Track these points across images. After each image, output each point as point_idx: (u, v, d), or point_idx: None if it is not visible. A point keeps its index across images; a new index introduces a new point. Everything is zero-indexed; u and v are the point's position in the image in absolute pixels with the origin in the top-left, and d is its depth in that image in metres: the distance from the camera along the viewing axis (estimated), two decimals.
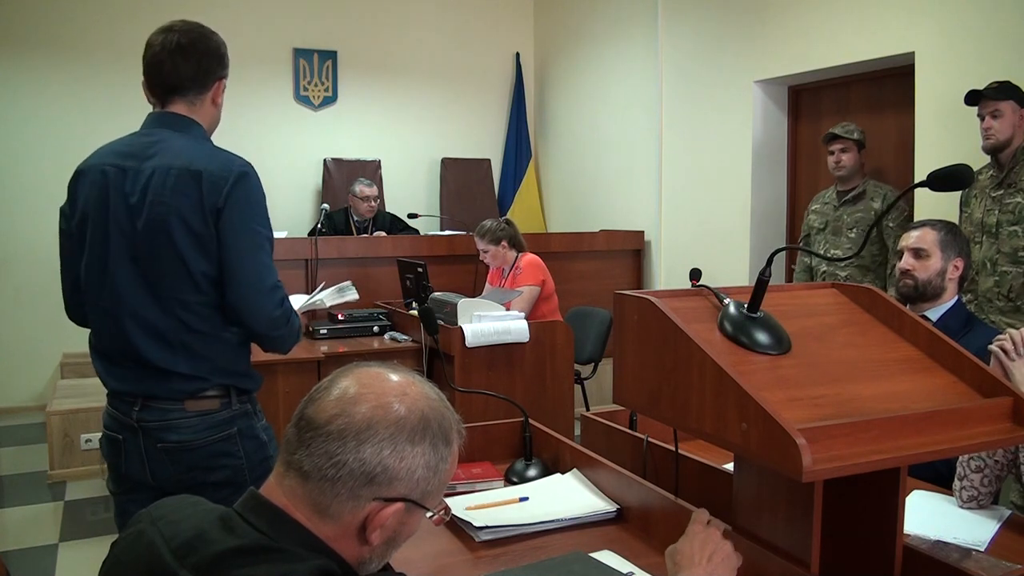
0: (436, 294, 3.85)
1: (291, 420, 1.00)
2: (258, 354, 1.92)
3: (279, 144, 6.28)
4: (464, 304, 3.57)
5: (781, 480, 1.19)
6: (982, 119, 3.09)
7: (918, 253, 2.31)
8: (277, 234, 1.86)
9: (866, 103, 4.29)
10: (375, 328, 4.11)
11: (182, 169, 1.71)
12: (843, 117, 4.21)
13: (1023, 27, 3.27)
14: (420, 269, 3.96)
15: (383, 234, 5.41)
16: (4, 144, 5.56)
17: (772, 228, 4.80)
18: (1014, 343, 1.74)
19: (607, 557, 1.47)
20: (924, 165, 3.66)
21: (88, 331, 1.88)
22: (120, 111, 4.83)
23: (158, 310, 1.74)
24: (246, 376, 1.85)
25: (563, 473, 1.88)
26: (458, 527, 1.63)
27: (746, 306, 1.24)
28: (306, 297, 2.43)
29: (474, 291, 4.56)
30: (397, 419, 0.97)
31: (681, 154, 5.32)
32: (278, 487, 0.98)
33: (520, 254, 4.29)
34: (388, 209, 6.19)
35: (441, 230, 5.96)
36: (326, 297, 2.42)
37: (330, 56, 6.47)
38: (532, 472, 1.91)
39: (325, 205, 5.46)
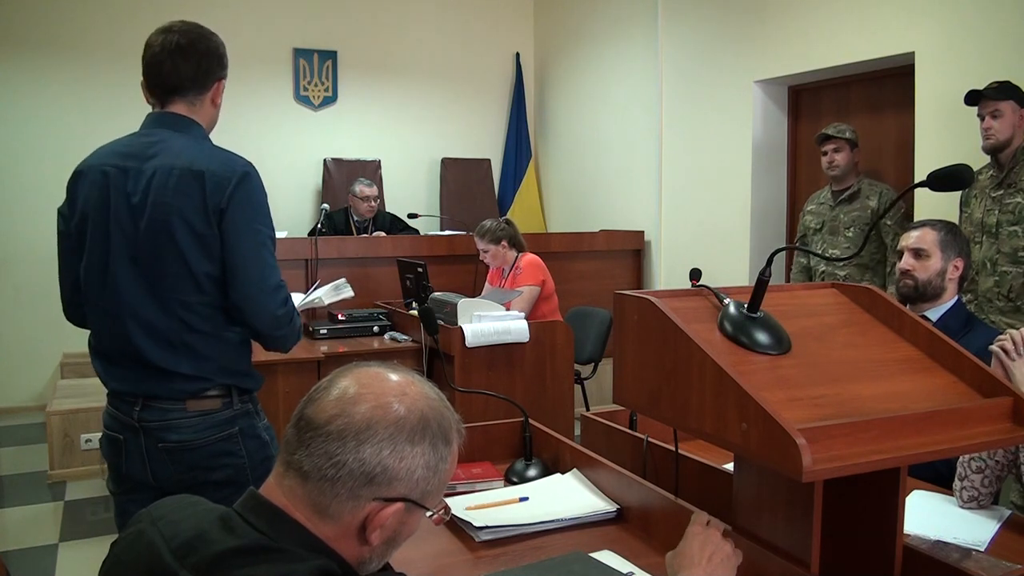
0: (436, 294, 3.85)
1: (291, 420, 1.00)
2: (258, 354, 1.92)
3: (279, 144, 6.28)
4: (464, 304, 3.57)
5: (781, 480, 1.19)
6: (982, 119, 3.09)
7: (918, 253, 2.31)
8: (277, 234, 1.86)
9: (866, 103, 4.29)
10: (375, 328, 4.11)
11: (184, 169, 1.71)
12: (843, 117, 4.21)
13: (1023, 27, 3.27)
14: (420, 269, 3.96)
15: (383, 234, 5.41)
16: (4, 144, 5.56)
17: (772, 228, 4.80)
18: (1014, 343, 1.74)
19: (607, 557, 1.47)
20: (924, 165, 3.66)
21: (87, 331, 1.88)
22: (120, 111, 4.82)
23: (159, 310, 1.74)
24: (248, 376, 1.86)
25: (563, 473, 1.88)
26: (458, 527, 1.63)
27: (746, 306, 1.24)
28: (302, 296, 2.44)
29: (474, 291, 4.56)
30: (397, 419, 0.96)
31: (681, 154, 5.32)
32: (278, 487, 0.98)
33: (520, 254, 4.29)
34: (388, 209, 6.19)
35: (441, 230, 5.96)
36: (323, 295, 2.42)
37: (330, 56, 6.47)
38: (532, 472, 1.91)
39: (325, 205, 5.46)
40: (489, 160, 7.03)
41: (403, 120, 6.76)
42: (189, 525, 0.97)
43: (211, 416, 1.78)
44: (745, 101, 4.74)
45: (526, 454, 1.97)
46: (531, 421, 2.02)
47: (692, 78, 5.18)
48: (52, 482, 4.16)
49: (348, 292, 2.49)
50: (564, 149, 6.79)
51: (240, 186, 1.72)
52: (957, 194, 3.25)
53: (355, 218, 5.50)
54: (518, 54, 7.10)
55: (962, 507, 1.79)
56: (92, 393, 4.45)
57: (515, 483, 1.90)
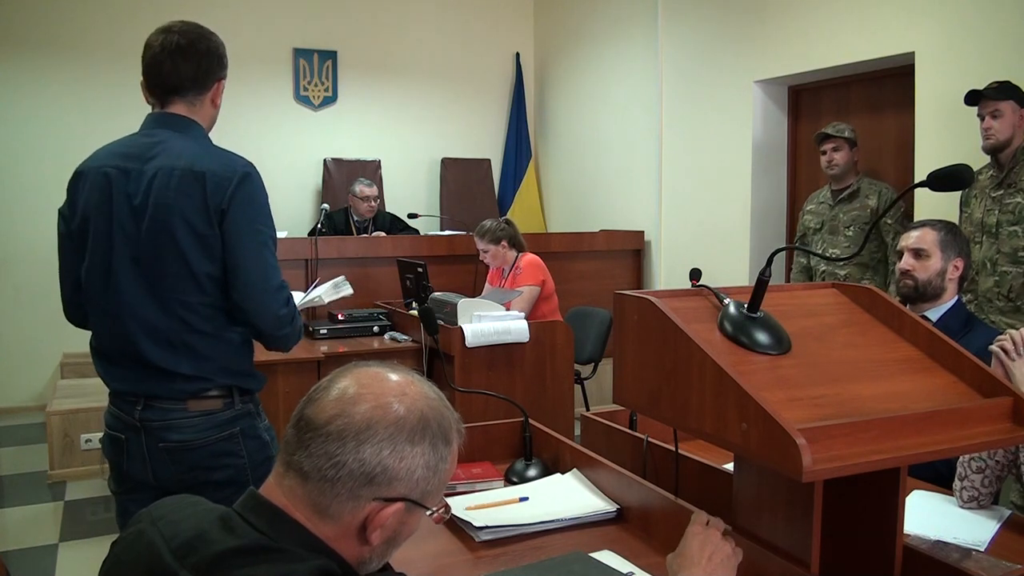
0: (436, 294, 3.85)
1: (290, 420, 1.00)
2: (258, 354, 1.91)
3: (279, 144, 6.28)
4: (464, 304, 3.57)
5: (781, 480, 1.19)
6: (982, 119, 3.09)
7: (918, 253, 2.31)
8: (277, 234, 1.86)
9: (866, 103, 4.29)
10: (375, 328, 4.11)
11: (185, 170, 1.71)
12: (843, 117, 4.21)
13: (1023, 27, 3.27)
14: (420, 269, 3.96)
15: (383, 234, 5.41)
16: (4, 144, 5.56)
17: (772, 228, 4.80)
18: (1014, 343, 1.74)
19: (607, 557, 1.47)
20: (924, 165, 3.66)
21: (87, 332, 1.88)
22: (120, 111, 4.81)
23: (160, 311, 1.74)
24: (249, 376, 1.86)
25: (563, 473, 1.88)
26: (458, 527, 1.63)
27: (746, 306, 1.24)
28: (303, 295, 2.44)
29: (474, 291, 4.56)
30: (396, 419, 0.96)
31: (681, 154, 5.32)
32: (278, 487, 0.98)
33: (520, 254, 4.29)
34: (388, 209, 6.19)
35: (441, 230, 5.96)
36: (323, 293, 2.42)
37: (330, 56, 6.47)
38: (532, 472, 1.91)
39: (325, 205, 5.46)
40: (489, 160, 7.03)
41: (403, 120, 6.76)
42: (189, 525, 0.97)
43: (212, 416, 1.79)
44: (745, 101, 4.73)
45: (526, 454, 1.97)
46: (531, 421, 2.02)
47: (692, 78, 5.18)
48: (52, 482, 4.16)
49: (348, 290, 2.49)
50: (564, 149, 6.79)
51: (241, 186, 1.73)
52: (957, 194, 3.25)
53: (355, 218, 5.50)
54: (518, 54, 7.10)
55: (962, 507, 1.79)
56: (92, 393, 4.45)
57: (515, 483, 1.90)
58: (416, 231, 5.66)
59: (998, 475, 1.78)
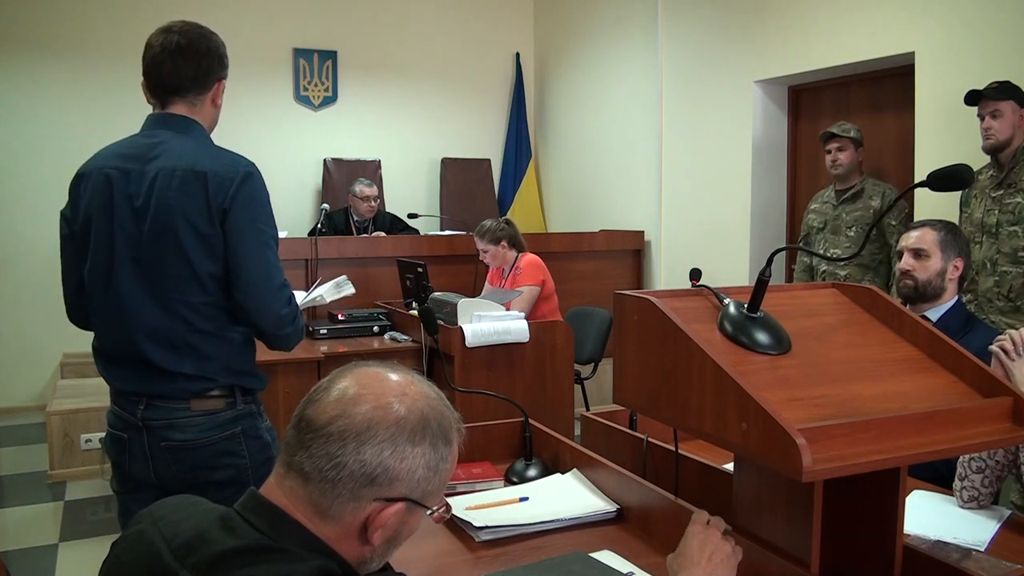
0: (436, 294, 3.86)
1: (291, 421, 1.00)
2: (258, 353, 1.92)
3: (279, 144, 6.28)
4: (464, 304, 3.57)
5: (781, 480, 1.19)
6: (982, 119, 3.09)
7: (918, 253, 2.31)
8: (278, 234, 1.87)
9: (866, 103, 4.29)
10: (375, 328, 4.11)
11: (186, 170, 1.71)
12: (843, 117, 4.21)
13: (1023, 27, 3.27)
14: (420, 269, 3.96)
15: (383, 234, 5.41)
16: (4, 144, 5.56)
17: (772, 228, 4.80)
18: (1014, 343, 1.74)
19: (607, 557, 1.47)
20: (924, 165, 3.66)
21: (87, 332, 1.88)
22: (120, 111, 4.83)
23: (163, 311, 1.74)
24: (251, 376, 1.86)
25: (563, 473, 1.88)
26: (458, 527, 1.63)
27: (746, 306, 1.24)
28: (304, 294, 2.44)
29: (474, 291, 4.56)
30: (397, 419, 0.96)
31: (681, 154, 5.32)
32: (278, 488, 0.98)
33: (520, 254, 4.29)
34: (388, 209, 6.19)
35: (441, 230, 5.96)
36: (325, 293, 2.43)
37: (330, 56, 6.47)
38: (532, 472, 1.91)
39: (325, 205, 5.46)
40: (489, 160, 7.03)
41: (403, 120, 6.76)
42: (189, 525, 0.97)
43: (214, 416, 1.79)
44: (745, 101, 4.74)
45: (526, 454, 1.97)
46: (531, 421, 2.03)
47: (692, 78, 5.18)
48: (52, 482, 4.16)
49: (349, 289, 2.50)
50: (564, 149, 6.79)
51: (243, 186, 1.73)
52: (957, 194, 3.25)
53: (355, 218, 5.50)
54: (518, 54, 7.10)
55: (962, 507, 1.79)
56: (92, 393, 4.45)
57: (515, 483, 1.90)
58: (416, 231, 5.66)
59: (998, 475, 1.78)
